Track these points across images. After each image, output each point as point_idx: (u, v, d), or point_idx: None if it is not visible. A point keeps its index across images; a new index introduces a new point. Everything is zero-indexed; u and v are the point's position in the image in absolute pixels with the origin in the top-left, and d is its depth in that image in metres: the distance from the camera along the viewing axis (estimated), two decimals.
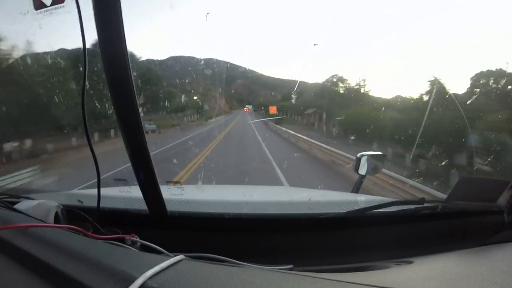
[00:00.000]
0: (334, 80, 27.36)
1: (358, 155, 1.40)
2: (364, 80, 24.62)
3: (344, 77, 26.91)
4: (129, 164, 0.70)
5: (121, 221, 0.83)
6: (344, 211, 0.86)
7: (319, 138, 11.20)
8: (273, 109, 26.11)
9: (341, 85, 26.63)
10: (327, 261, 0.78)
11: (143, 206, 0.78)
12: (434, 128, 8.96)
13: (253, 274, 0.53)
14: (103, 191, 0.76)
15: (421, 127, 7.91)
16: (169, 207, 0.80)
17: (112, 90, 0.64)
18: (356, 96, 23.72)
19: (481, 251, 0.74)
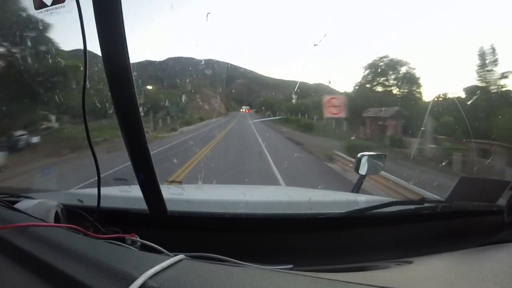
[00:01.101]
0: (381, 64, 16.26)
1: (359, 155, 1.40)
2: (494, 50, 11.06)
3: (399, 58, 16.31)
4: None
5: (121, 221, 0.83)
6: (344, 211, 0.86)
7: None
8: (334, 107, 10.50)
9: (391, 74, 15.95)
10: (327, 261, 0.78)
11: (143, 205, 0.78)
12: None
13: (253, 274, 0.53)
14: (103, 190, 0.76)
15: None
16: (169, 207, 0.80)
17: (113, 89, 0.64)
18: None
19: (481, 251, 0.74)
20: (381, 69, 16.64)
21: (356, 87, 17.79)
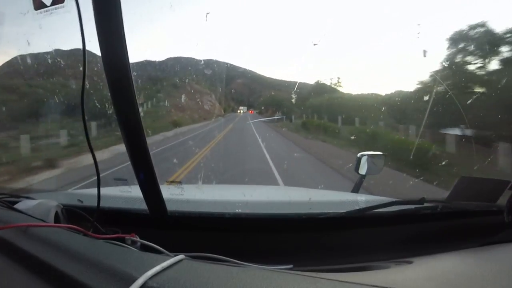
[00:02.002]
0: (476, 36, 9.68)
1: (359, 154, 1.40)
2: None
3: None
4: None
5: (121, 221, 0.84)
6: (344, 211, 0.86)
7: None
8: None
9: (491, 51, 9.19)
10: (327, 261, 0.78)
11: (143, 205, 0.78)
12: None
13: (253, 274, 0.53)
14: (103, 190, 0.76)
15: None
16: (169, 207, 0.80)
17: (112, 90, 0.64)
18: None
19: (481, 251, 0.74)
20: (476, 43, 9.57)
21: (446, 73, 10.05)
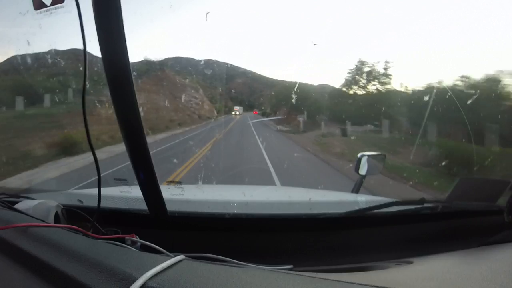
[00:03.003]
0: None
1: (359, 155, 1.40)
2: None
3: None
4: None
5: (121, 221, 0.84)
6: (344, 211, 0.86)
7: None
8: None
9: None
10: (327, 261, 0.78)
11: (143, 206, 0.78)
12: None
13: (253, 274, 0.53)
14: (104, 191, 0.76)
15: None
16: (169, 207, 0.80)
17: (112, 90, 0.64)
18: None
19: (481, 251, 0.74)
20: None
21: None
